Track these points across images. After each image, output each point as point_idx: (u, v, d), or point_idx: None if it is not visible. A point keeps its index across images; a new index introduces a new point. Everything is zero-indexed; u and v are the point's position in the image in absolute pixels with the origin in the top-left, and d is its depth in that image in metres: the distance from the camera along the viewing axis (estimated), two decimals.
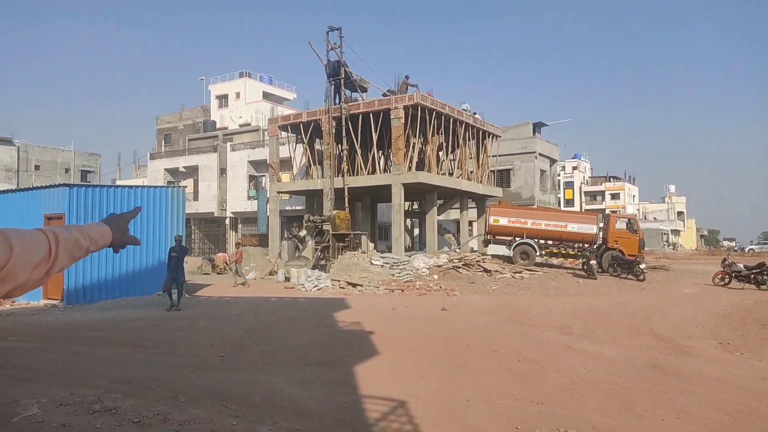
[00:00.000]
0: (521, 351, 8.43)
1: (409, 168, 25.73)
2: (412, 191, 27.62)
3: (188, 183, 39.41)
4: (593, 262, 21.58)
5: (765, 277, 17.86)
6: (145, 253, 15.66)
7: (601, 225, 25.21)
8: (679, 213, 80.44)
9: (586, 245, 24.12)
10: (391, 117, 25.21)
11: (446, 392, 6.38)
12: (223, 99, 52.99)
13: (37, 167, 45.63)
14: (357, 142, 26.38)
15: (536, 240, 24.75)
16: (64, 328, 10.74)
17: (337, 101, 26.76)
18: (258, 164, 37.26)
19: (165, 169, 41.63)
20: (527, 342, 9.24)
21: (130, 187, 17.19)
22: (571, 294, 17.10)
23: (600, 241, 24.34)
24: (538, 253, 24.54)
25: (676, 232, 74.08)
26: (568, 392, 6.36)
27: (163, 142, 52.14)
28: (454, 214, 36.00)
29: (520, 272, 21.80)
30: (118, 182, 45.88)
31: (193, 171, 40.24)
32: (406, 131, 25.46)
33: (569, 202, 65.26)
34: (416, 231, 35.92)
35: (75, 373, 6.96)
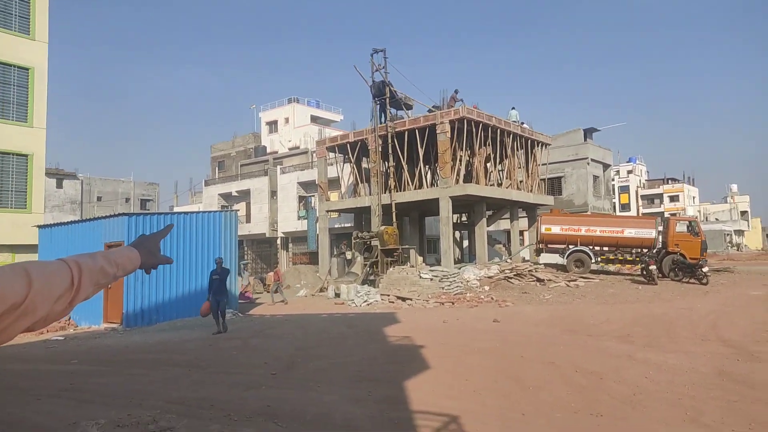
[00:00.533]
0: (579, 362, 8.11)
1: (457, 181, 25.55)
2: (461, 203, 27.37)
3: (241, 206, 40.48)
4: (653, 267, 20.71)
5: None
6: (200, 275, 16.08)
7: (660, 229, 24.19)
8: (743, 212, 76.47)
9: (645, 250, 23.19)
10: (437, 132, 25.17)
11: (501, 407, 6.19)
12: (272, 125, 54.41)
13: (99, 198, 47.95)
14: (403, 158, 26.45)
15: (591, 247, 23.99)
16: (123, 351, 11.12)
17: (382, 120, 26.99)
18: (307, 185, 37.91)
19: (219, 194, 42.95)
20: (585, 352, 8.89)
21: (185, 213, 17.79)
22: (631, 301, 16.42)
23: (659, 245, 23.36)
24: (593, 260, 23.77)
25: (740, 233, 70.30)
26: (630, 403, 6.06)
27: (216, 168, 53.87)
28: (504, 224, 35.39)
29: (574, 280, 21.15)
30: (175, 209, 47.66)
31: (245, 195, 41.35)
32: (453, 145, 25.34)
33: (625, 207, 63.11)
34: (465, 243, 35.51)
35: (132, 395, 7.16)
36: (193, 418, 6.05)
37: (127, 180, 50.61)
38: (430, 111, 27.63)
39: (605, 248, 24.12)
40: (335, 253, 30.15)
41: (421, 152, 26.08)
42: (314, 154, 35.51)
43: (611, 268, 23.99)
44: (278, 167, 41.23)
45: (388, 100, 26.68)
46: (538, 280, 21.08)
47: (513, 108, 29.11)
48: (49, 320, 1.08)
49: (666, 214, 51.63)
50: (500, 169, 30.06)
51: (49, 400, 7.16)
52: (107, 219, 15.87)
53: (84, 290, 1.14)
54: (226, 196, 42.69)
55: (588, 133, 40.27)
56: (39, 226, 17.77)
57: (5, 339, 0.99)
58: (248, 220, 40.32)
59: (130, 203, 49.36)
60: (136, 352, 10.98)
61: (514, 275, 21.48)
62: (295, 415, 6.04)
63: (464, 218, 33.18)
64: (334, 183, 32.14)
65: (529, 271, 22.09)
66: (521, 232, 32.85)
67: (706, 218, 70.91)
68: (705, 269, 20.07)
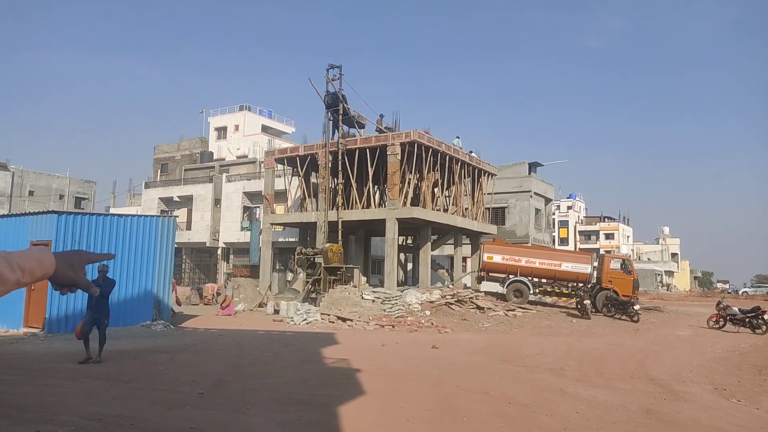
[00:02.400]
0: (513, 394, 8.15)
1: (404, 203, 25.69)
2: (407, 226, 27.51)
3: (182, 212, 39.25)
4: (587, 301, 21.35)
5: (760, 321, 17.66)
6: (131, 283, 15.35)
7: (596, 264, 25.06)
8: (673, 254, 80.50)
9: (580, 284, 23.91)
10: (388, 153, 25.31)
11: None
12: (221, 131, 53.28)
13: (31, 193, 45.42)
14: (353, 176, 26.41)
15: (530, 278, 24.54)
16: (41, 359, 10.39)
17: (334, 136, 26.92)
18: (253, 196, 37.21)
19: (159, 198, 41.50)
20: (519, 384, 8.96)
21: (120, 215, 17.00)
22: (565, 334, 16.81)
23: (594, 281, 24.16)
24: (531, 291, 24.30)
25: (670, 273, 73.94)
26: None
27: (159, 171, 52.14)
28: (448, 249, 35.82)
29: (513, 310, 21.52)
30: (111, 210, 45.67)
31: (187, 201, 40.12)
32: (402, 167, 25.53)
33: (564, 241, 65.25)
34: (410, 266, 35.66)
35: (45, 408, 6.64)
36: None
37: (62, 176, 48.22)
38: (381, 131, 27.81)
39: (543, 280, 24.72)
40: (277, 267, 29.57)
41: (370, 172, 26.13)
42: (263, 165, 34.95)
43: (548, 300, 24.58)
44: (224, 175, 40.35)
45: (341, 116, 26.67)
46: (478, 307, 21.32)
47: (457, 137, 29.74)
48: None
49: (601, 251, 53.66)
50: (447, 195, 30.50)
51: None
52: (35, 216, 14.93)
53: None
54: (167, 201, 41.30)
55: (532, 166, 41.56)
56: None
57: None
58: (189, 227, 39.10)
59: (64, 200, 46.98)
60: (55, 360, 10.27)
61: (455, 301, 21.65)
62: None
63: (410, 241, 33.37)
64: (280, 196, 31.69)
65: (470, 298, 22.32)
66: (464, 259, 33.31)
67: (639, 257, 74.19)
68: (636, 307, 20.84)
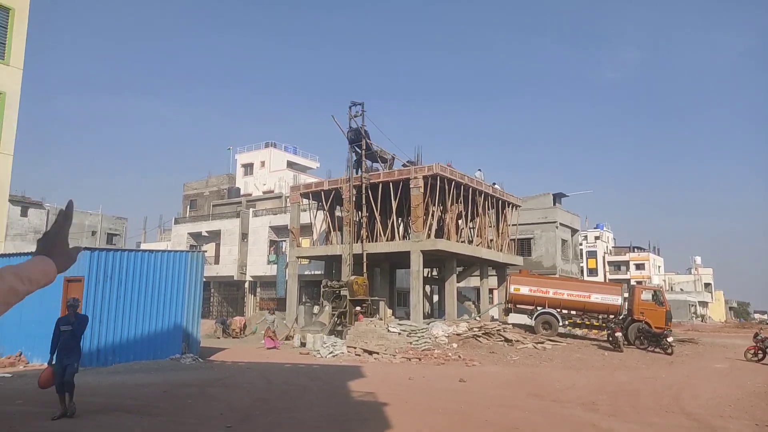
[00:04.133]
0: (542, 429, 7.99)
1: (428, 235, 25.71)
2: (432, 258, 27.46)
3: (210, 247, 39.83)
4: (619, 334, 20.85)
5: None
6: (161, 316, 15.59)
7: (626, 296, 24.53)
8: (707, 284, 78.31)
9: (611, 316, 23.41)
10: (411, 186, 25.50)
11: None
12: (248, 167, 54.39)
13: None
14: (377, 209, 26.63)
15: (559, 310, 24.12)
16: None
17: (358, 171, 27.30)
18: (279, 230, 37.64)
19: (188, 233, 42.26)
20: (550, 419, 8.77)
21: (150, 251, 17.39)
22: (597, 367, 16.41)
23: (625, 313, 23.61)
24: (560, 323, 23.86)
25: (703, 304, 71.78)
26: None
27: (188, 207, 53.24)
28: (474, 281, 35.52)
29: (542, 342, 21.12)
30: (142, 246, 46.61)
31: (215, 235, 40.78)
32: (426, 200, 25.66)
33: (592, 272, 64.14)
34: (435, 298, 35.40)
35: None
36: None
37: (94, 213, 49.52)
38: (404, 165, 28.10)
39: (572, 312, 24.26)
40: (304, 300, 29.67)
41: (394, 205, 26.31)
42: (288, 200, 35.46)
43: (578, 332, 24.08)
44: (251, 210, 40.98)
45: (364, 152, 27.07)
46: (506, 340, 20.99)
47: (479, 170, 29.85)
48: None
49: (632, 282, 52.55)
50: (471, 226, 30.43)
51: None
52: None
53: None
54: (196, 236, 42.03)
55: (557, 197, 41.26)
56: None
57: None
58: (217, 261, 39.62)
59: (97, 237, 48.15)
60: (87, 394, 10.42)
61: (483, 334, 21.36)
62: None
63: (435, 273, 33.22)
64: (306, 229, 32.02)
65: (497, 330, 22.01)
66: (491, 291, 32.98)
67: (671, 288, 72.35)
68: (670, 339, 20.27)
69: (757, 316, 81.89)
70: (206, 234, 41.25)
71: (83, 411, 8.81)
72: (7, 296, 1.12)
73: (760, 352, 18.04)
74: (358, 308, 22.60)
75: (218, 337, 26.50)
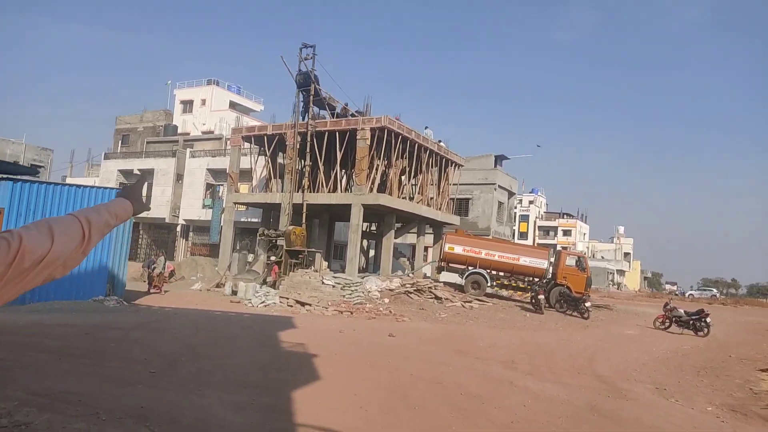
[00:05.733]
0: (465, 385, 8.34)
1: (371, 189, 25.70)
2: (372, 212, 27.56)
3: None
4: (541, 296, 21.88)
5: (703, 323, 18.45)
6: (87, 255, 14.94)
7: (552, 260, 25.66)
8: (626, 254, 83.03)
9: (536, 279, 24.47)
10: (357, 137, 25.23)
11: (385, 425, 6.21)
12: (187, 104, 51.93)
13: None
14: (321, 159, 26.26)
15: (488, 270, 24.96)
16: None
17: (304, 117, 26.64)
18: (217, 173, 36.56)
19: (119, 170, 40.37)
20: (472, 375, 9.17)
21: (77, 186, 16.50)
22: (518, 327, 17.23)
23: (549, 276, 24.74)
24: (489, 284, 24.74)
25: (621, 272, 76.32)
26: (507, 430, 6.29)
27: (120, 142, 50.62)
28: (411, 238, 36.08)
29: (470, 302, 21.89)
30: (68, 180, 44.16)
31: (148, 174, 39.06)
32: (371, 153, 25.50)
33: (523, 236, 66.44)
34: (372, 253, 35.78)
35: None
36: (55, 413, 5.53)
37: (17, 141, 46.30)
38: (352, 115, 27.69)
39: (501, 273, 25.19)
40: (238, 247, 29.24)
41: (339, 155, 26.03)
42: (228, 142, 34.36)
43: (504, 293, 25.08)
44: (188, 150, 39.50)
45: (312, 97, 26.41)
46: (437, 297, 21.60)
47: (426, 128, 29.80)
48: (66, 267, 1.23)
49: (558, 247, 54.92)
50: (414, 183, 30.66)
51: None
52: None
53: (93, 241, 1.29)
54: (127, 173, 40.18)
55: (498, 159, 42.10)
56: None
57: (30, 287, 1.14)
58: (148, 202, 38.19)
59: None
60: (3, 332, 9.96)
61: (414, 290, 21.88)
62: (170, 418, 5.71)
63: (374, 228, 33.44)
64: (245, 175, 31.26)
65: (428, 288, 22.59)
66: (426, 248, 33.62)
67: (593, 255, 76.21)
68: (588, 304, 21.47)
69: (668, 286, 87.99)
70: (138, 172, 39.44)
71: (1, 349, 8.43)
72: (103, 228, 1.35)
73: (667, 320, 19.44)
74: (273, 258, 22.44)
75: (145, 281, 25.81)
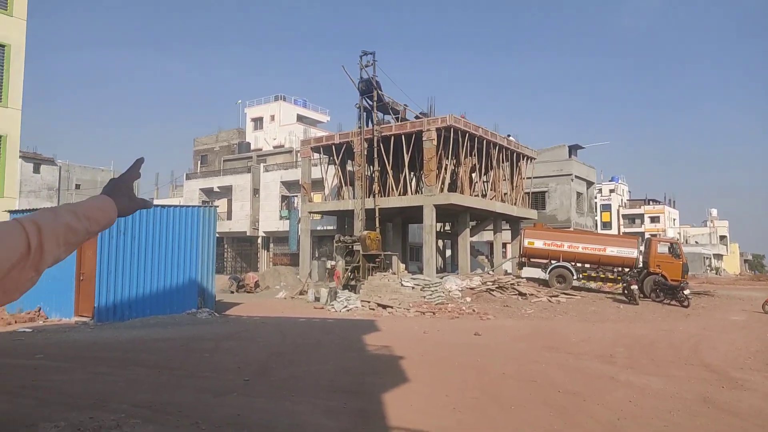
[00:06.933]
0: (560, 382, 7.92)
1: (441, 189, 25.42)
2: (444, 212, 27.25)
3: (222, 203, 39.91)
4: (634, 286, 20.73)
5: None
6: (176, 271, 15.64)
7: (642, 249, 24.30)
8: (722, 237, 77.68)
9: (626, 269, 23.25)
10: (424, 139, 25.05)
11: (480, 426, 5.96)
12: (258, 121, 53.86)
13: (77, 186, 46.91)
14: (389, 163, 26.28)
15: (573, 263, 23.99)
16: (92, 347, 10.67)
17: (369, 123, 26.81)
18: (290, 185, 37.50)
19: (200, 189, 42.30)
20: (567, 372, 8.71)
21: (163, 206, 17.32)
22: (612, 320, 16.36)
23: (641, 266, 23.43)
24: (575, 277, 23.77)
25: (718, 257, 71.38)
26: (614, 428, 5.87)
27: (199, 162, 53.13)
28: (487, 235, 35.38)
29: (556, 296, 21.09)
30: (155, 202, 46.80)
31: (227, 191, 40.78)
32: (439, 153, 25.24)
33: (606, 225, 63.66)
34: (448, 252, 35.40)
35: (96, 396, 6.78)
36: (158, 424, 5.71)
37: (106, 169, 49.62)
38: (417, 117, 27.55)
39: (587, 265, 24.15)
40: (316, 255, 29.76)
41: (406, 158, 25.93)
42: (299, 154, 35.17)
43: (592, 285, 24.02)
44: (262, 165, 40.77)
45: (375, 103, 26.51)
46: (520, 294, 20.97)
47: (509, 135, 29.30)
48: (9, 291, 0.94)
49: (647, 235, 52.16)
50: (485, 180, 30.05)
51: (7, 398, 6.75)
52: None
53: (50, 253, 1.00)
54: (208, 192, 42.06)
55: (573, 149, 40.51)
56: (10, 212, 17.17)
57: None
58: (229, 217, 39.75)
59: None
60: (105, 349, 10.54)
61: (496, 288, 21.35)
62: (265, 425, 5.74)
63: (448, 227, 33.08)
64: (317, 184, 31.82)
65: (511, 284, 21.98)
66: (504, 245, 32.83)
67: (686, 241, 71.88)
68: (686, 292, 20.13)
69: None
70: (218, 190, 41.25)
71: (101, 364, 8.89)
72: (66, 235, 1.04)
73: None
74: (340, 263, 22.63)
75: (232, 292, 26.78)
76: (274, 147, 48.68)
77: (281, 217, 37.21)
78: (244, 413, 6.12)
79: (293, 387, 7.44)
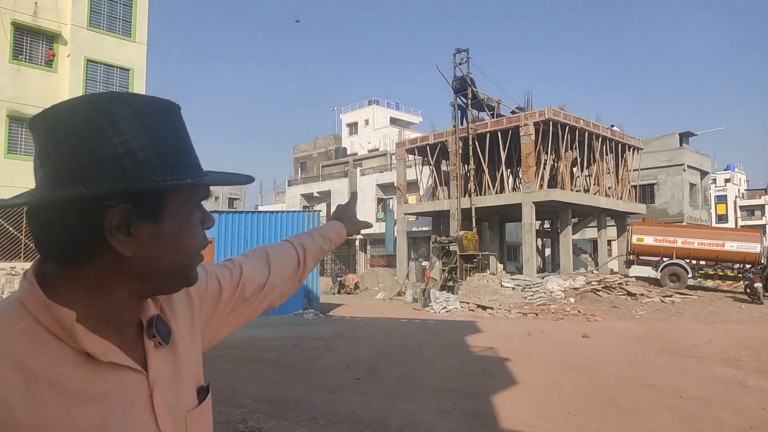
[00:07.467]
0: (683, 387, 7.48)
1: (540, 186, 24.73)
2: (544, 209, 26.48)
3: (322, 207, 41.33)
4: (758, 284, 19.02)
5: None
6: None
7: (766, 243, 22.24)
8: None
9: (748, 266, 21.39)
10: (521, 134, 24.52)
11: None
12: (352, 126, 55.23)
13: None
14: (484, 161, 25.97)
15: (688, 260, 22.42)
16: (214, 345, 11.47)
17: (463, 122, 26.65)
18: (386, 187, 38.10)
19: (301, 195, 44.09)
20: (689, 376, 8.21)
21: (270, 212, 18.28)
22: (734, 321, 15.14)
23: (764, 261, 21.46)
24: (690, 275, 22.21)
25: None
26: None
27: (299, 169, 55.36)
28: (590, 233, 33.94)
29: (670, 296, 19.83)
30: (260, 208, 49.37)
31: (326, 195, 42.19)
32: (537, 148, 24.60)
33: (721, 218, 58.80)
34: (548, 251, 34.33)
35: (222, 392, 7.31)
36: (280, 418, 6.07)
37: None
38: (513, 112, 26.99)
39: (703, 262, 22.49)
40: (413, 256, 30.02)
41: (503, 155, 25.49)
42: (393, 156, 35.64)
43: (709, 283, 22.34)
44: (358, 169, 41.75)
45: (470, 101, 26.30)
46: (629, 294, 19.95)
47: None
48: (284, 296, 1.20)
49: None
50: (587, 174, 28.83)
51: None
52: None
53: (308, 267, 1.27)
54: (308, 197, 43.74)
55: (684, 137, 37.81)
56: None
57: (253, 317, 1.11)
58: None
59: (219, 201, 51.68)
60: (225, 347, 11.29)
61: (603, 288, 20.45)
62: (379, 423, 5.92)
63: (547, 225, 32.11)
64: (412, 186, 32.08)
65: (619, 283, 20.96)
66: (609, 242, 31.32)
67: None
68: None
69: None
70: (317, 194, 42.78)
71: (225, 362, 9.56)
72: (317, 253, 1.32)
73: None
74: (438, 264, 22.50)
75: (334, 293, 27.65)
76: (369, 151, 49.68)
77: (377, 219, 37.88)
78: (359, 410, 6.36)
79: (402, 386, 7.60)
